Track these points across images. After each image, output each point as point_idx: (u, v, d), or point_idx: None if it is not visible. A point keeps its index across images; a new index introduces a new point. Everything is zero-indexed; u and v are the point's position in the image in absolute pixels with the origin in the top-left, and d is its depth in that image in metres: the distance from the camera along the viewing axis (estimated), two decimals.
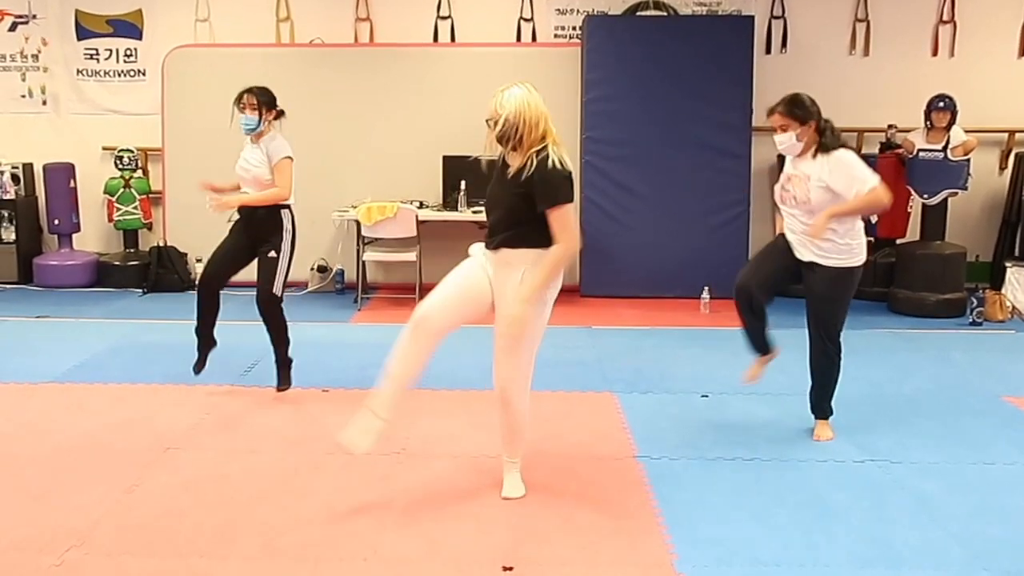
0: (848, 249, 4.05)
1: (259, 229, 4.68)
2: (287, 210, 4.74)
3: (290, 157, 4.68)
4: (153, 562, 3.06)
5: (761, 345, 4.43)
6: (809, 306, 4.23)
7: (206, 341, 4.85)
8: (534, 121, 3.28)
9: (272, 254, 4.66)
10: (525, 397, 3.52)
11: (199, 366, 4.84)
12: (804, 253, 4.12)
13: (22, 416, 4.52)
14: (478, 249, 3.51)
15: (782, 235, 4.27)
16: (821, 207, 3.97)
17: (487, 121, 3.35)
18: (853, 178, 3.93)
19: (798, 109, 4.06)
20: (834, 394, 4.31)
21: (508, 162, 3.41)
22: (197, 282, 4.84)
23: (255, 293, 4.68)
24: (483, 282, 3.41)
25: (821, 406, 4.33)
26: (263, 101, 4.67)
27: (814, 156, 4.05)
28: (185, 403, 4.68)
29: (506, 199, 3.36)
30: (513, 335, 3.30)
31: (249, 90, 4.69)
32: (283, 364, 4.80)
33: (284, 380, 4.78)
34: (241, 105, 4.69)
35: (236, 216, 4.80)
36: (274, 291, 4.64)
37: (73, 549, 3.12)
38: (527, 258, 3.31)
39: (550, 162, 3.26)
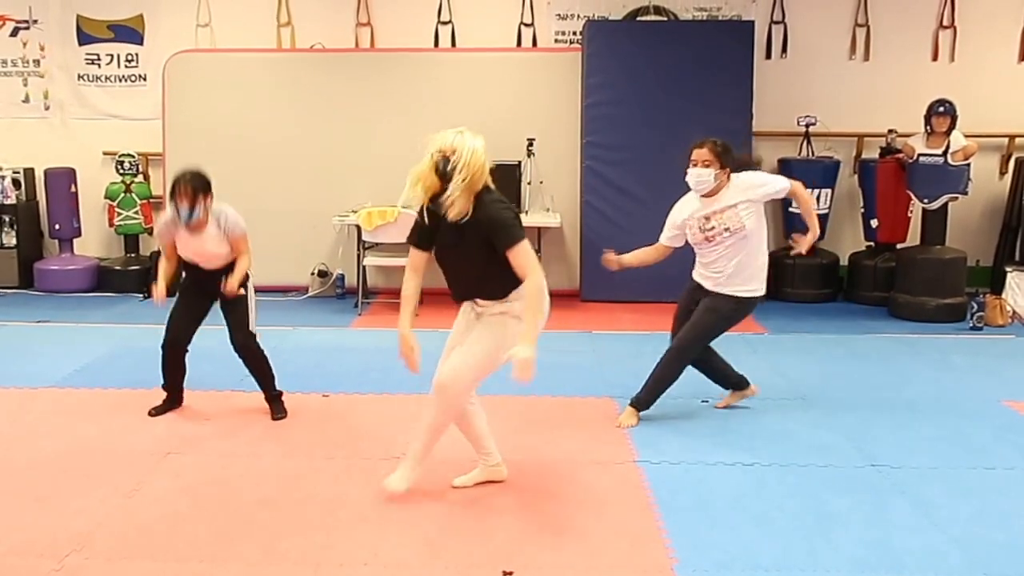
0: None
1: (218, 282, 4.45)
2: None
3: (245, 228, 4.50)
4: (154, 567, 3.06)
5: (725, 382, 4.66)
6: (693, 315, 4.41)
7: (174, 396, 4.67)
8: (486, 165, 3.30)
9: (240, 291, 4.45)
10: (453, 409, 3.51)
11: (159, 412, 4.62)
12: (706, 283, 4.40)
13: (23, 421, 4.52)
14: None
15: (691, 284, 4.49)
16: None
17: (442, 154, 3.27)
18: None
19: (725, 154, 4.31)
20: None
21: (440, 212, 3.31)
22: (163, 345, 4.56)
23: (231, 338, 4.50)
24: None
25: (647, 399, 4.49)
26: (199, 188, 4.31)
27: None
28: (185, 408, 4.68)
29: (465, 250, 3.36)
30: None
31: (182, 180, 4.31)
32: (274, 398, 4.61)
33: (280, 411, 4.58)
34: (178, 198, 4.31)
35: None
36: (251, 328, 4.52)
37: (74, 553, 3.12)
38: (500, 307, 3.40)
39: (498, 204, 3.32)
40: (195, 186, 4.31)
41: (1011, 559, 3.13)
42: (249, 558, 3.12)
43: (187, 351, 4.59)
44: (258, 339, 4.56)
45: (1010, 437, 4.35)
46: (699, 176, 4.31)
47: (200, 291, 4.55)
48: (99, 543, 3.21)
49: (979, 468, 3.96)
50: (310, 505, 3.53)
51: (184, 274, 4.61)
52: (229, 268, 4.49)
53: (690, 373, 5.09)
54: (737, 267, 4.29)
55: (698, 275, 4.44)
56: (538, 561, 3.10)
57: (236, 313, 4.51)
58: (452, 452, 3.81)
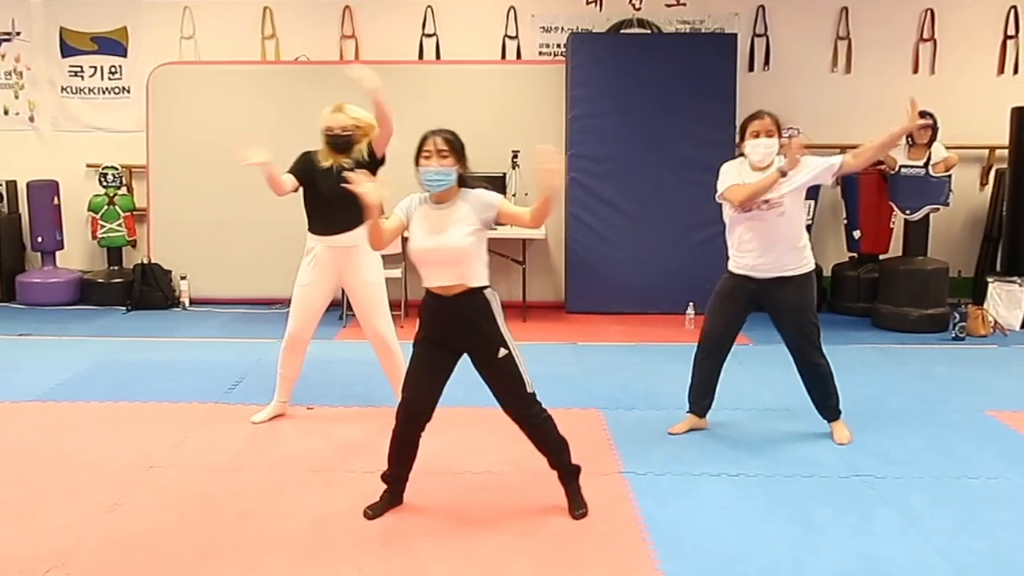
0: (806, 253, 4.27)
1: (464, 316, 3.43)
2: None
3: None
4: None
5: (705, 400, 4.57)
6: (786, 322, 4.32)
7: (398, 490, 3.66)
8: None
9: (503, 352, 3.42)
10: (397, 341, 4.54)
11: (376, 511, 3.56)
12: (770, 271, 4.24)
13: (4, 435, 4.48)
14: (322, 253, 4.48)
15: (729, 278, 4.38)
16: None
17: (350, 130, 4.61)
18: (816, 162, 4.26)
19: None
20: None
21: (335, 163, 4.53)
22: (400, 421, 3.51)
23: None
24: (325, 286, 4.53)
25: (833, 406, 4.46)
26: (457, 147, 3.43)
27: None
28: (168, 421, 4.65)
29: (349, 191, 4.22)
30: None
31: (438, 132, 3.44)
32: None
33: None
34: (426, 153, 3.40)
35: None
36: (529, 389, 3.47)
37: (55, 569, 3.09)
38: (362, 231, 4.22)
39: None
40: (454, 143, 3.44)
41: (995, 569, 3.14)
42: (233, 573, 3.09)
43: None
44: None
45: (994, 447, 4.37)
46: (768, 147, 4.16)
47: (442, 332, 3.45)
48: (80, 559, 3.17)
49: (963, 478, 3.98)
50: (295, 519, 3.51)
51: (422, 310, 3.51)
52: (477, 299, 3.41)
53: (675, 388, 5.11)
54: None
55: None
56: (524, 573, 3.09)
57: (505, 378, 3.44)
58: (434, 467, 3.80)
